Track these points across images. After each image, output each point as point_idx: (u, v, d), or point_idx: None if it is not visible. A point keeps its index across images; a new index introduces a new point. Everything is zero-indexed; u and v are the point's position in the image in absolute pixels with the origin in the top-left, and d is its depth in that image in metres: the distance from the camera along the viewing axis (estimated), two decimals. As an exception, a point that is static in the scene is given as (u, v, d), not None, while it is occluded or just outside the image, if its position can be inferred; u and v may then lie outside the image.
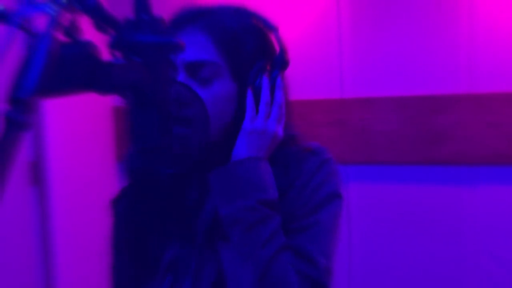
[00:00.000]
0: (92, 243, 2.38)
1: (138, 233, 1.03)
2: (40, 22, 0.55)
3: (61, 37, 0.56)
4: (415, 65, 2.13)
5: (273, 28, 1.03)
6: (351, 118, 2.21)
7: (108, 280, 1.09)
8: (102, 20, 0.63)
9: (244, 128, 0.98)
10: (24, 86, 0.50)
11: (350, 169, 2.20)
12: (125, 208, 1.05)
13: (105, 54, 0.63)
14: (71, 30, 0.58)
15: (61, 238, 2.26)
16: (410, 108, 2.13)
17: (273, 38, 1.04)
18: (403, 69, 2.15)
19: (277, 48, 1.03)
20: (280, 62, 1.02)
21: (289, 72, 1.06)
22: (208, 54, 0.96)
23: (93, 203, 2.42)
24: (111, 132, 2.59)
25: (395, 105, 2.15)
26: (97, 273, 2.36)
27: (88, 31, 0.62)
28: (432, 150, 2.10)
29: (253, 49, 1.00)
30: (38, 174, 2.20)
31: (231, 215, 0.93)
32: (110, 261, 1.08)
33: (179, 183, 1.02)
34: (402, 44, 2.14)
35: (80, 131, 2.40)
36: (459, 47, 2.06)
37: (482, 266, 2.09)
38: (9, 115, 0.49)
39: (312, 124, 2.23)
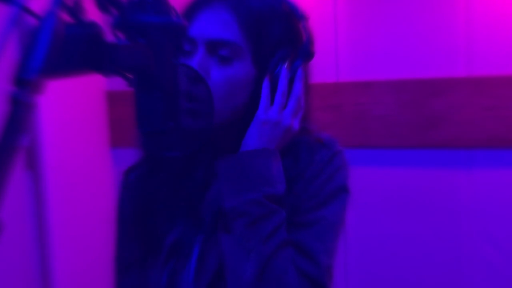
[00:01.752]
0: (87, 227, 2.38)
1: (145, 209, 1.02)
2: (44, 2, 0.54)
3: (65, 17, 0.55)
4: (412, 49, 2.12)
5: (301, 17, 1.00)
6: (346, 102, 2.20)
7: (111, 257, 1.08)
8: (105, 0, 0.62)
9: (257, 117, 0.95)
10: (29, 66, 0.50)
11: (346, 153, 2.18)
12: (135, 181, 1.04)
13: (109, 35, 0.62)
14: (76, 11, 0.57)
15: (56, 223, 2.25)
16: (406, 91, 2.12)
17: (300, 27, 1.00)
18: (399, 52, 2.14)
19: (304, 38, 1.00)
20: (304, 52, 1.00)
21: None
22: (231, 34, 0.93)
23: (87, 188, 2.41)
24: (106, 116, 2.58)
25: (391, 89, 2.14)
26: (92, 257, 2.37)
27: (92, 11, 0.61)
28: (429, 133, 2.10)
29: (278, 35, 0.97)
30: (32, 159, 2.19)
31: (235, 207, 0.91)
32: (115, 237, 1.08)
33: (187, 164, 1.01)
34: (398, 27, 2.13)
35: (74, 116, 2.39)
36: (456, 30, 2.05)
37: (479, 249, 2.10)
38: (14, 95, 0.49)
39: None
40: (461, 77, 2.04)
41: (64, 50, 0.54)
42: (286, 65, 0.97)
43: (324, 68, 2.23)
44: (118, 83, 0.68)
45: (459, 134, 2.06)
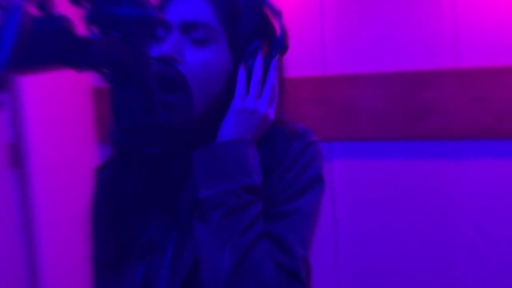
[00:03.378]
0: (73, 224, 2.36)
1: (119, 207, 1.00)
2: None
3: (33, 11, 0.53)
4: (399, 41, 2.12)
5: (276, 12, 1.00)
6: (335, 95, 2.20)
7: (88, 257, 1.07)
8: (77, -8, 0.60)
9: (234, 106, 0.95)
10: None
11: (335, 146, 2.19)
12: (108, 179, 1.02)
13: (81, 30, 0.60)
14: (44, 4, 0.55)
15: (43, 219, 2.23)
16: (394, 84, 2.12)
17: (275, 22, 1.01)
18: (386, 45, 2.13)
19: (278, 33, 1.00)
20: (279, 45, 0.99)
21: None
22: (204, 17, 0.92)
23: (73, 185, 2.39)
24: (91, 113, 2.56)
25: (378, 81, 2.14)
26: (80, 253, 2.34)
27: (62, 4, 0.59)
28: (417, 125, 2.10)
29: (253, 26, 0.97)
30: (18, 156, 2.16)
31: (212, 198, 0.90)
32: (89, 236, 1.06)
33: (162, 160, 0.99)
34: (385, 20, 2.13)
35: (59, 112, 2.37)
36: (443, 22, 2.05)
37: (468, 240, 2.10)
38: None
39: (296, 102, 2.21)
40: (448, 69, 2.04)
41: (33, 45, 0.52)
42: (261, 56, 0.97)
43: (312, 61, 2.23)
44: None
45: (447, 126, 2.06)
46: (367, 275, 2.28)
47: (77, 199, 2.36)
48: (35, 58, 0.53)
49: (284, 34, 1.00)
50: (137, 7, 0.63)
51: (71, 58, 0.57)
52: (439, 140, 2.10)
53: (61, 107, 2.37)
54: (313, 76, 2.22)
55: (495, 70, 1.98)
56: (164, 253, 0.98)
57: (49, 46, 0.54)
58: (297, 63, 2.21)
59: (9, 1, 0.51)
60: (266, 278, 0.88)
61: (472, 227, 2.10)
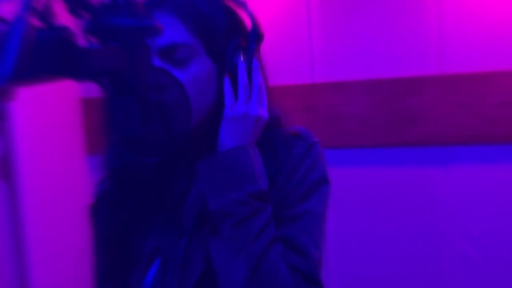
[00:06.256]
0: (63, 236, 2.35)
1: (122, 231, 1.00)
2: (13, 7, 0.53)
3: (35, 22, 0.54)
4: (385, 48, 2.13)
5: (242, 4, 1.00)
6: (322, 103, 2.21)
7: (90, 279, 1.06)
8: (77, 3, 0.61)
9: (226, 115, 0.95)
10: None
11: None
12: (107, 209, 1.01)
13: (81, 40, 0.61)
14: (46, 15, 0.55)
15: (32, 233, 2.21)
16: (381, 91, 2.13)
17: (243, 14, 1.01)
18: (373, 52, 2.15)
19: (249, 24, 1.00)
20: (254, 36, 0.99)
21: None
22: (180, 36, 0.92)
23: (63, 197, 2.38)
24: (80, 124, 2.55)
25: (366, 89, 2.15)
26: (69, 266, 2.34)
27: (63, 16, 0.60)
28: (404, 131, 2.11)
29: (225, 27, 0.97)
30: (7, 168, 2.15)
31: (221, 208, 0.91)
32: (92, 262, 1.06)
33: (164, 172, 1.00)
34: (371, 28, 2.14)
35: (49, 124, 2.36)
36: (428, 29, 2.07)
37: (456, 245, 2.12)
38: (-15, 103, 0.47)
39: (284, 110, 2.21)
40: (434, 75, 2.06)
41: (35, 55, 0.53)
42: (241, 57, 0.97)
43: (299, 69, 2.24)
44: (93, 90, 0.66)
45: (434, 132, 2.07)
46: (356, 281, 2.28)
47: (66, 210, 2.35)
48: (37, 68, 0.54)
49: (255, 23, 1.00)
50: (135, 17, 0.64)
51: (72, 68, 0.57)
52: (426, 146, 2.11)
53: (50, 118, 2.36)
54: (301, 84, 2.23)
55: (481, 75, 2.00)
56: (174, 260, 0.98)
57: (51, 56, 0.55)
58: (285, 71, 2.22)
59: (12, 14, 0.52)
60: (282, 283, 0.89)
61: (460, 232, 2.11)
